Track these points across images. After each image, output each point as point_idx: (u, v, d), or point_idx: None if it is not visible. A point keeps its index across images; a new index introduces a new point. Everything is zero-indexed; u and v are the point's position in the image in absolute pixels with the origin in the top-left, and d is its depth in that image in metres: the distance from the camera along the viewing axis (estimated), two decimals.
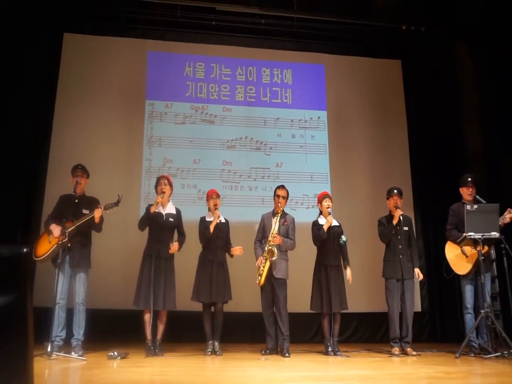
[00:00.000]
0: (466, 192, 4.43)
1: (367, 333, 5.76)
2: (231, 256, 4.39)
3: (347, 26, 6.39)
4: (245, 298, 4.95)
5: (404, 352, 4.23)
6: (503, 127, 5.66)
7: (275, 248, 4.22)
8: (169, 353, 4.09)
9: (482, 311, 4.00)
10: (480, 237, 4.06)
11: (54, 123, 5.70)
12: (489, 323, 3.97)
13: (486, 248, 4.17)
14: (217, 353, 4.11)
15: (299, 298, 4.68)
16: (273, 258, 4.20)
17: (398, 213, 4.35)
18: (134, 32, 6.20)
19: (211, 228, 4.25)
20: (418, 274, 4.36)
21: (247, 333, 5.29)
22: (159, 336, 4.07)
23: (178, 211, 4.32)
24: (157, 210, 4.13)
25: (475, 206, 4.17)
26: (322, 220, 4.42)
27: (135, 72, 6.05)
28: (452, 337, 5.09)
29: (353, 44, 6.61)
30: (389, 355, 4.21)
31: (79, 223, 3.91)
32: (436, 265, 5.85)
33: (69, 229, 3.87)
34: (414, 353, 4.19)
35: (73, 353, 3.77)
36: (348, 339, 5.52)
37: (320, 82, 6.47)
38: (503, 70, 5.65)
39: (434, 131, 6.31)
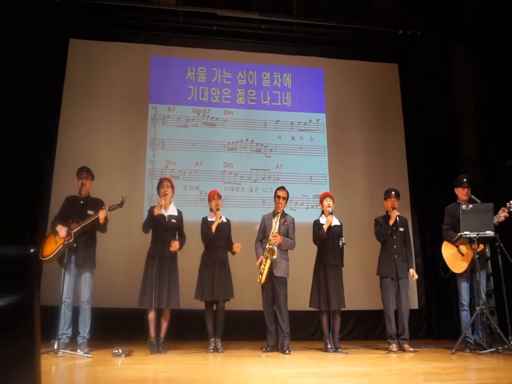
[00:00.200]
0: (462, 192, 4.46)
1: (365, 330, 5.82)
2: (233, 253, 4.43)
3: (345, 31, 6.46)
4: (246, 297, 5.01)
5: (401, 349, 4.27)
6: (498, 129, 5.72)
7: (275, 247, 4.29)
8: (172, 351, 4.12)
9: (477, 308, 4.05)
10: (475, 236, 4.09)
11: (60, 125, 5.77)
12: (484, 319, 4.02)
13: (481, 246, 4.21)
14: (219, 350, 4.15)
15: (299, 296, 4.74)
16: (274, 257, 4.27)
17: (394, 214, 4.41)
18: (138, 38, 6.27)
19: (213, 228, 4.31)
20: (413, 275, 4.41)
21: (248, 330, 5.35)
22: (162, 334, 4.12)
23: (179, 212, 4.38)
24: (160, 212, 4.19)
25: (470, 206, 4.20)
26: (323, 220, 4.46)
27: (139, 76, 6.12)
28: (449, 333, 5.13)
29: (351, 48, 6.69)
30: (387, 351, 4.25)
31: (84, 224, 3.97)
32: (432, 264, 5.92)
33: (75, 230, 3.92)
34: (411, 349, 4.24)
35: (79, 350, 3.82)
36: (347, 336, 5.57)
37: (319, 86, 6.55)
38: (498, 73, 5.70)
39: (431, 133, 6.39)
